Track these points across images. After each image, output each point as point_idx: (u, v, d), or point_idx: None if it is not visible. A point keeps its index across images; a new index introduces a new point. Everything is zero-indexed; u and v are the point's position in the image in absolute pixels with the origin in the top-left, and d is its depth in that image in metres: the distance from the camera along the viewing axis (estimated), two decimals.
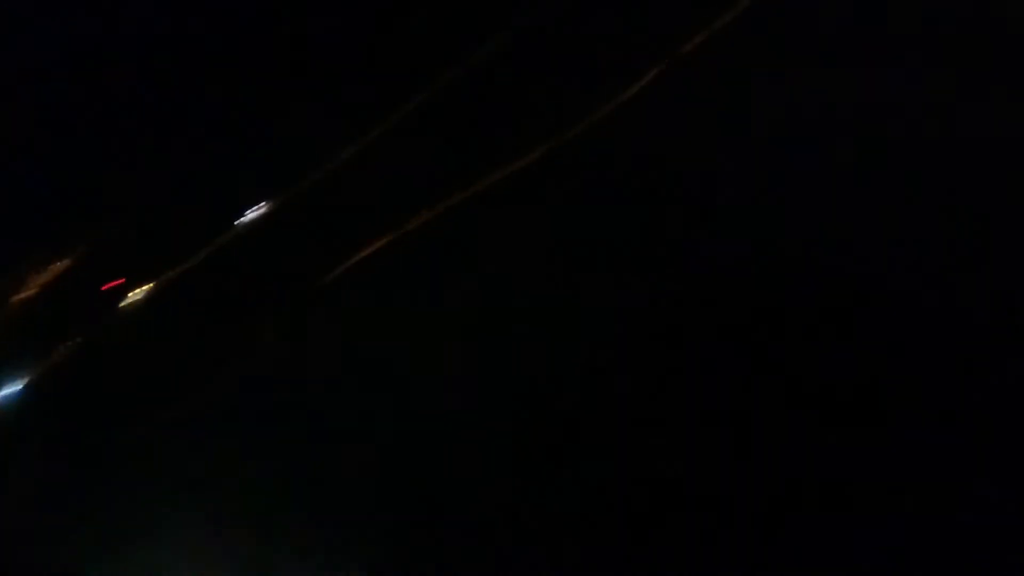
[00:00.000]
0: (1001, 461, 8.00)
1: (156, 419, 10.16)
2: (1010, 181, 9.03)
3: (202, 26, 10.60)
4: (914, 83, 9.63)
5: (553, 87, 10.73)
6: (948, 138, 9.32)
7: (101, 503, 9.84)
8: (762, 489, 8.39)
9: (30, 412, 10.26)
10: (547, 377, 9.76)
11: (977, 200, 9.05)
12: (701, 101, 10.31)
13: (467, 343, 10.04)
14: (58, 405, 10.28)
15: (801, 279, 9.27)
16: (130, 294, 10.57)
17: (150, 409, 10.22)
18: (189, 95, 10.73)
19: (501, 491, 9.40)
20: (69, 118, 10.63)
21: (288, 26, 10.64)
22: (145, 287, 10.56)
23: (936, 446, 8.07)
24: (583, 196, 10.43)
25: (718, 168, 9.99)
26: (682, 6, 10.52)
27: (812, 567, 7.93)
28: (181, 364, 10.39)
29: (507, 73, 10.72)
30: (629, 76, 10.52)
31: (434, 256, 10.53)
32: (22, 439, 10.06)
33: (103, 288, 10.56)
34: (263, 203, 10.72)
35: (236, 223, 10.68)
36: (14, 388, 10.29)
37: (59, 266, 10.58)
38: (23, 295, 10.64)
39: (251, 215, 10.70)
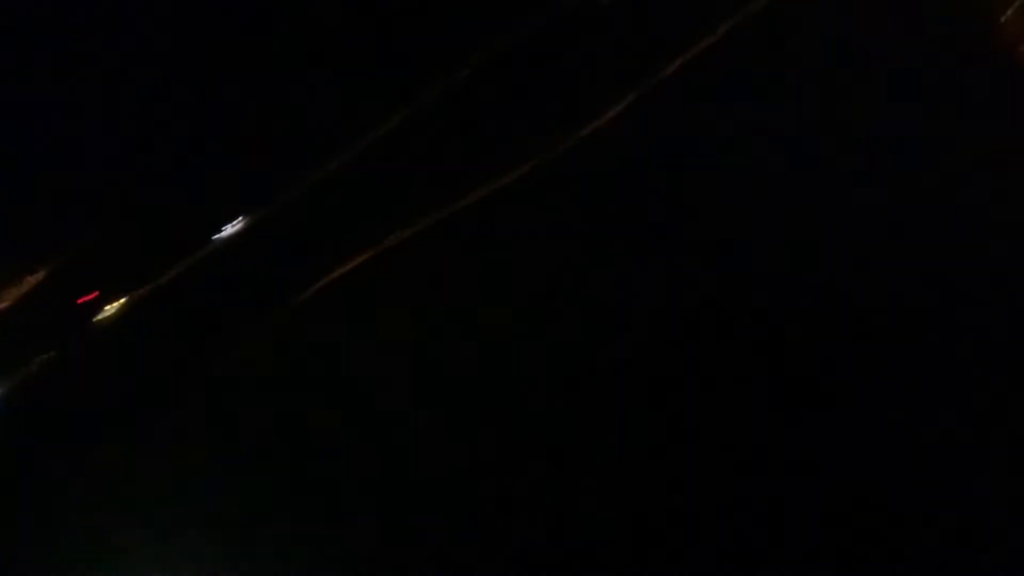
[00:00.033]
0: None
1: (129, 433, 10.25)
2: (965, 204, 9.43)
3: (177, 43, 10.54)
4: (882, 113, 9.78)
5: (537, 106, 10.72)
6: (911, 166, 9.61)
7: (73, 515, 9.94)
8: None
9: (2, 425, 10.28)
10: (525, 393, 9.90)
11: (935, 218, 9.45)
12: (679, 123, 10.35)
13: (445, 359, 10.13)
14: (31, 418, 10.31)
15: (778, 295, 9.48)
16: (105, 308, 10.55)
17: (123, 423, 10.31)
18: (166, 109, 10.66)
19: (482, 501, 9.67)
20: (44, 132, 10.57)
21: (266, 43, 10.58)
22: (120, 301, 10.54)
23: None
24: (565, 214, 10.45)
25: (694, 187, 10.09)
26: (663, 30, 10.51)
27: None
28: (155, 378, 10.45)
29: (490, 91, 10.68)
30: (610, 97, 10.50)
31: (412, 274, 10.56)
32: None
33: (78, 301, 10.54)
34: (240, 218, 10.68)
35: (213, 237, 10.64)
36: None
37: (33, 279, 10.54)
38: None
39: (228, 230, 10.66)
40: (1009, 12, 9.81)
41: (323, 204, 10.66)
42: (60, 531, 9.83)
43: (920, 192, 9.56)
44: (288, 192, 10.67)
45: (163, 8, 10.65)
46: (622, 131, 10.43)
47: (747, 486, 8.97)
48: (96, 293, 10.53)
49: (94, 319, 10.53)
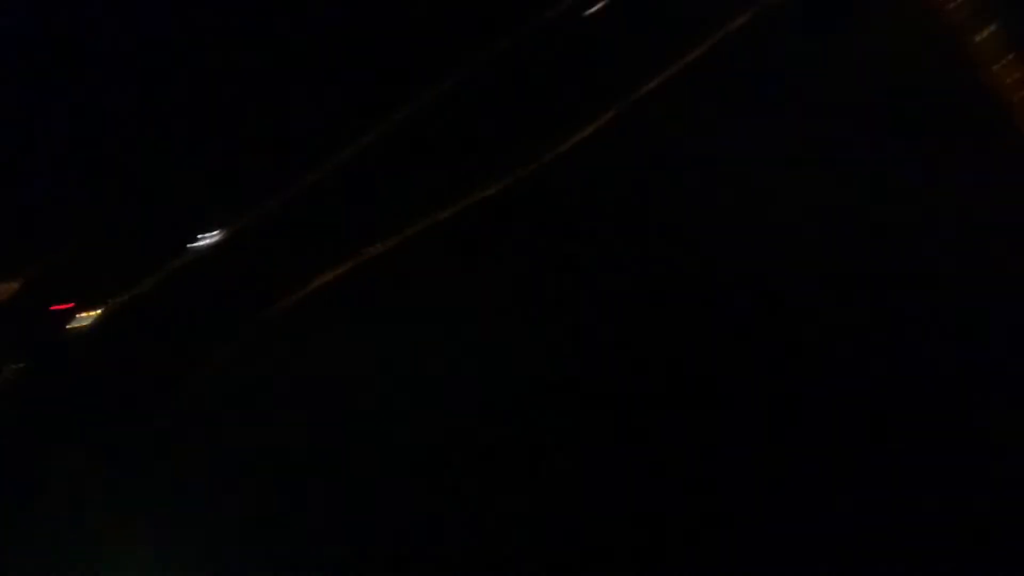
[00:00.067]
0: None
1: (103, 442, 10.23)
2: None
3: (152, 56, 10.56)
4: (841, 137, 9.93)
5: (516, 121, 10.78)
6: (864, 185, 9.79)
7: (45, 524, 9.91)
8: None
9: None
10: (498, 402, 9.89)
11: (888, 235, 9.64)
12: (654, 140, 10.47)
13: (419, 368, 10.14)
14: (3, 426, 10.27)
15: (749, 308, 9.62)
16: (79, 317, 10.54)
17: (98, 432, 10.29)
18: (144, 121, 10.67)
19: (454, 506, 9.63)
20: (19, 142, 10.55)
21: (242, 59, 10.60)
22: (95, 310, 10.52)
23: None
24: (542, 227, 10.53)
25: (669, 202, 10.22)
26: (640, 52, 10.62)
27: None
28: (130, 387, 10.43)
29: (470, 106, 10.75)
30: (589, 114, 10.59)
31: (389, 285, 10.60)
32: None
33: (52, 310, 10.52)
34: (217, 229, 10.69)
35: (189, 247, 10.64)
36: None
37: (8, 287, 10.50)
38: None
39: (204, 240, 10.67)
40: (979, 37, 9.97)
41: (301, 216, 10.69)
42: (29, 539, 9.79)
43: (886, 214, 9.71)
44: (265, 204, 10.69)
45: (138, 20, 10.64)
46: (600, 146, 10.54)
47: (717, 494, 9.16)
48: (72, 303, 10.51)
49: (69, 328, 10.51)
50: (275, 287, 10.52)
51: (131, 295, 10.52)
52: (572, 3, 10.81)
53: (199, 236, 10.65)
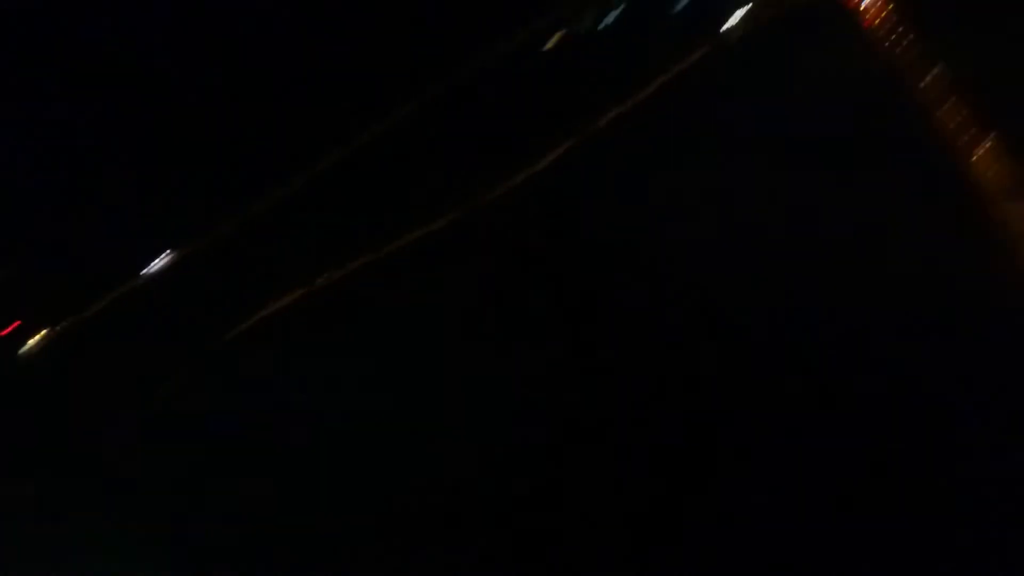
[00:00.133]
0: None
1: (52, 468, 10.16)
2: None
3: (104, 77, 10.58)
4: (793, 171, 10.00)
5: (471, 152, 10.83)
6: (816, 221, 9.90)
7: None
8: None
9: None
10: (448, 431, 9.87)
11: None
12: (608, 174, 10.54)
13: (373, 396, 10.13)
14: None
15: (706, 342, 9.78)
16: (27, 340, 10.48)
17: (46, 457, 10.21)
18: (93, 142, 10.68)
19: (406, 534, 9.63)
20: None
21: (195, 84, 10.65)
22: (42, 333, 10.47)
23: None
24: (496, 258, 10.57)
25: (622, 236, 10.30)
26: (596, 86, 10.72)
27: None
28: (79, 412, 10.38)
29: (426, 136, 10.78)
30: (542, 147, 10.64)
31: (340, 315, 10.59)
32: None
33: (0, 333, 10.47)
34: (169, 251, 10.67)
35: (141, 272, 10.62)
36: None
37: None
38: None
39: (157, 264, 10.65)
40: (928, 79, 10.11)
41: (254, 241, 10.68)
42: None
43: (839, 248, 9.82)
44: (219, 227, 10.69)
45: (95, 40, 10.67)
46: (555, 178, 10.59)
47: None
48: (17, 323, 10.45)
49: (16, 351, 10.44)
50: (224, 314, 10.52)
51: (76, 319, 10.47)
52: (528, 36, 10.87)
53: (148, 260, 10.61)
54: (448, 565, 9.55)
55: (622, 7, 10.84)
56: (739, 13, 10.60)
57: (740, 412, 9.59)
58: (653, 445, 9.67)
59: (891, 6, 10.32)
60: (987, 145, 9.84)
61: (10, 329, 10.42)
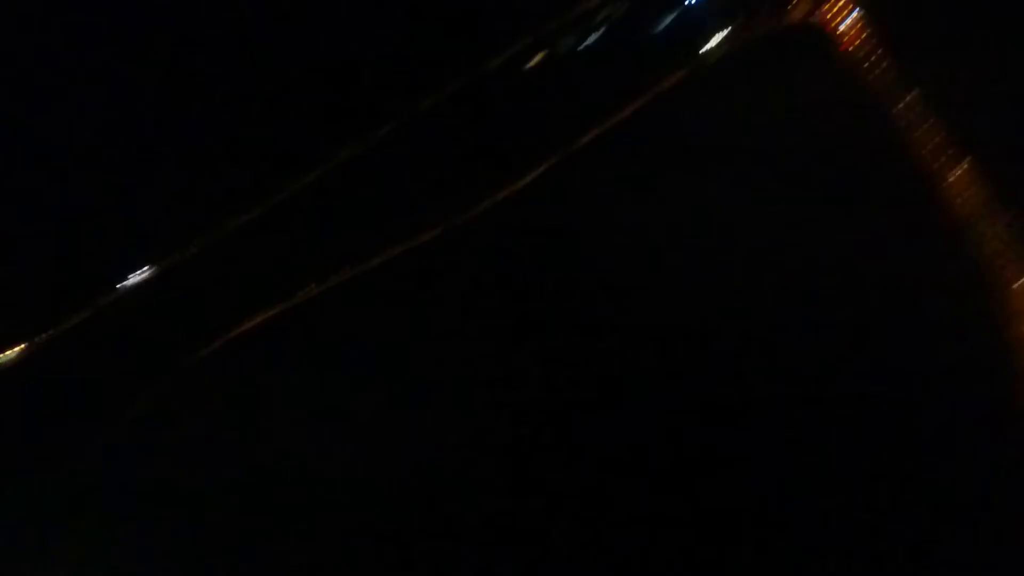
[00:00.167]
0: None
1: (23, 484, 10.03)
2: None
3: (81, 89, 10.58)
4: (774, 194, 10.15)
5: (450, 172, 10.89)
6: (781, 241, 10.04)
7: None
8: None
9: None
10: (421, 453, 9.81)
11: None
12: (588, 192, 10.63)
13: (343, 422, 10.05)
14: None
15: (679, 359, 9.85)
16: (5, 353, 10.34)
17: (17, 473, 10.08)
18: (71, 156, 10.64)
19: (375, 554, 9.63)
20: None
21: (169, 101, 10.68)
22: (17, 348, 10.35)
23: None
24: (472, 277, 10.61)
25: (601, 251, 10.39)
26: (577, 105, 10.82)
27: None
28: (51, 427, 10.25)
29: (405, 154, 10.82)
30: (524, 165, 10.71)
31: (318, 333, 10.58)
32: None
33: None
34: (145, 267, 10.60)
35: (117, 287, 10.54)
36: None
37: None
38: None
39: (132, 280, 10.57)
40: (900, 105, 10.30)
41: (230, 258, 10.64)
42: None
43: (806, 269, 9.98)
44: (195, 244, 10.64)
45: (70, 54, 10.64)
46: (537, 195, 10.66)
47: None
48: None
49: None
50: (204, 328, 10.46)
51: (55, 332, 10.37)
52: (511, 55, 10.96)
53: (126, 274, 10.54)
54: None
55: (603, 28, 10.98)
56: (718, 36, 10.75)
57: (717, 418, 9.69)
58: (626, 449, 9.75)
59: (868, 31, 10.53)
60: (962, 168, 10.02)
61: None
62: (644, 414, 9.82)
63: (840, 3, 10.64)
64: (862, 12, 10.55)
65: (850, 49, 10.57)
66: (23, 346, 10.33)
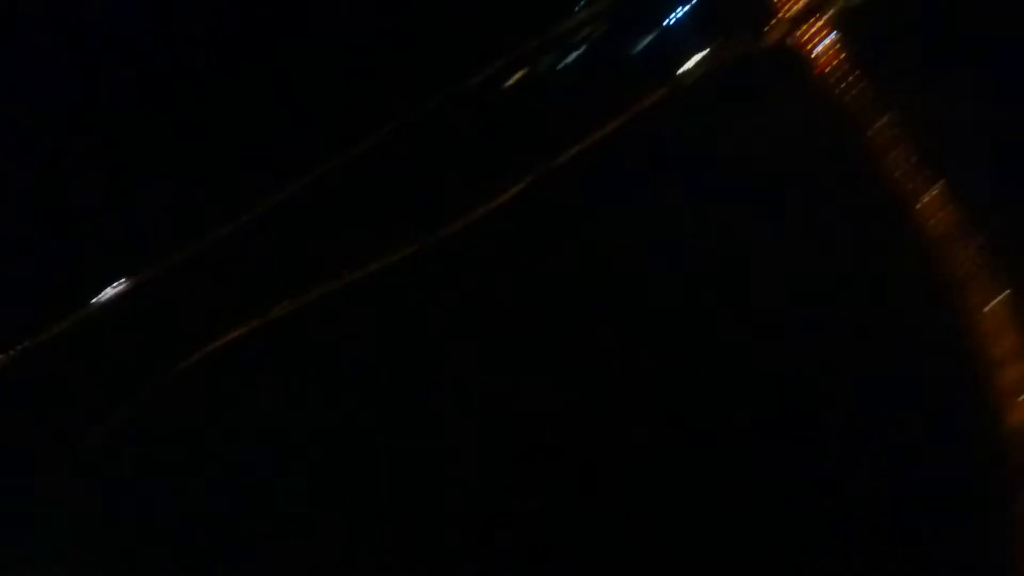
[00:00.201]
0: None
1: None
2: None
3: (56, 103, 10.60)
4: (748, 214, 10.22)
5: (427, 190, 10.93)
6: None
7: None
8: None
9: None
10: (391, 471, 9.85)
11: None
12: (564, 211, 10.69)
13: (319, 437, 10.04)
14: None
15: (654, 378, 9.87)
16: None
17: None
18: (47, 168, 10.64)
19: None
20: None
21: (146, 117, 10.70)
22: None
23: None
24: (450, 294, 10.63)
25: (577, 269, 10.45)
26: (555, 124, 10.89)
27: None
28: (27, 442, 10.18)
29: (383, 170, 10.85)
30: (501, 183, 10.76)
31: (294, 347, 10.57)
32: None
33: None
34: (122, 280, 10.58)
35: (92, 301, 10.51)
36: None
37: None
38: None
39: (108, 292, 10.55)
40: (874, 128, 10.40)
41: (207, 272, 10.64)
42: None
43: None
44: (171, 258, 10.63)
45: (45, 71, 10.65)
46: (512, 215, 10.71)
47: None
48: None
49: None
50: (180, 342, 10.45)
51: (31, 346, 10.33)
52: (490, 74, 11.02)
53: (102, 287, 10.51)
54: None
55: (583, 47, 11.05)
56: (696, 57, 10.85)
57: (690, 433, 9.73)
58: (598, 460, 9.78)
59: (843, 54, 10.64)
60: (934, 190, 10.12)
61: None
62: (619, 427, 9.83)
63: (816, 26, 10.76)
64: (837, 36, 10.67)
65: (825, 72, 10.68)
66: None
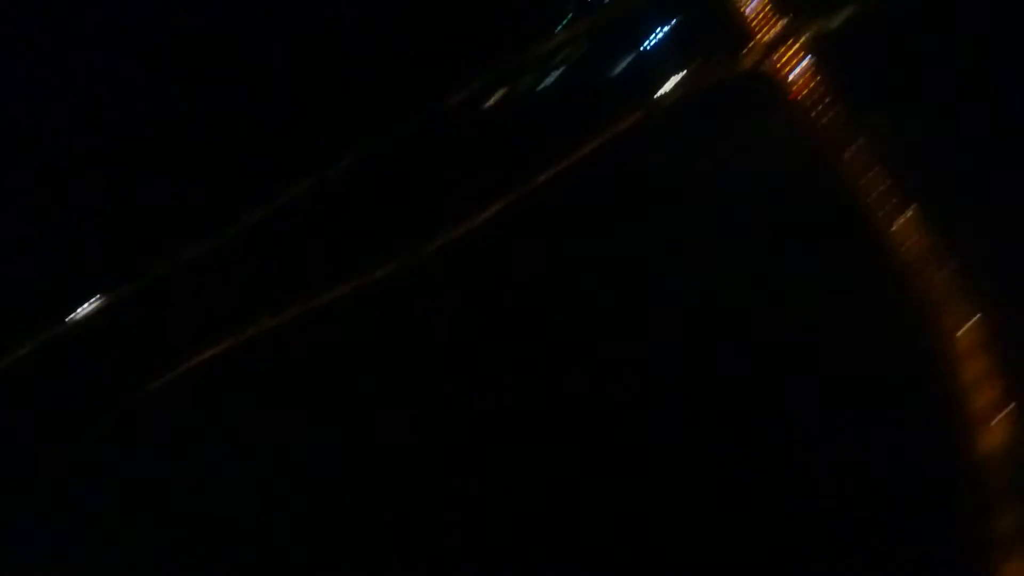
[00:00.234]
0: None
1: None
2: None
3: (37, 119, 10.60)
4: (722, 236, 10.29)
5: (405, 208, 10.96)
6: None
7: None
8: None
9: None
10: (368, 488, 9.85)
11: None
12: (545, 228, 10.73)
13: (293, 460, 10.05)
14: None
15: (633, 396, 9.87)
16: None
17: None
18: (25, 180, 10.62)
19: None
20: None
21: (124, 134, 10.70)
22: None
23: None
24: (427, 313, 10.64)
25: (552, 288, 10.45)
26: (533, 145, 10.94)
27: None
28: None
29: (360, 190, 10.88)
30: (479, 203, 10.79)
31: (271, 366, 10.55)
32: None
33: None
34: (97, 297, 10.53)
35: (67, 318, 10.46)
36: None
37: None
38: None
39: (84, 310, 10.49)
40: (848, 153, 10.50)
41: (184, 289, 10.63)
42: None
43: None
44: (148, 274, 10.60)
45: (28, 84, 10.63)
46: (489, 235, 10.74)
47: None
48: None
49: None
50: (153, 361, 10.41)
51: (2, 363, 10.26)
52: (469, 94, 11.07)
53: (76, 305, 10.46)
54: None
55: (562, 69, 11.13)
56: (673, 80, 10.93)
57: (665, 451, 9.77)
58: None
59: (817, 80, 10.75)
60: (907, 215, 10.21)
61: None
62: (591, 442, 9.85)
63: (791, 52, 10.87)
64: (812, 61, 10.78)
65: (800, 97, 10.78)
66: None
